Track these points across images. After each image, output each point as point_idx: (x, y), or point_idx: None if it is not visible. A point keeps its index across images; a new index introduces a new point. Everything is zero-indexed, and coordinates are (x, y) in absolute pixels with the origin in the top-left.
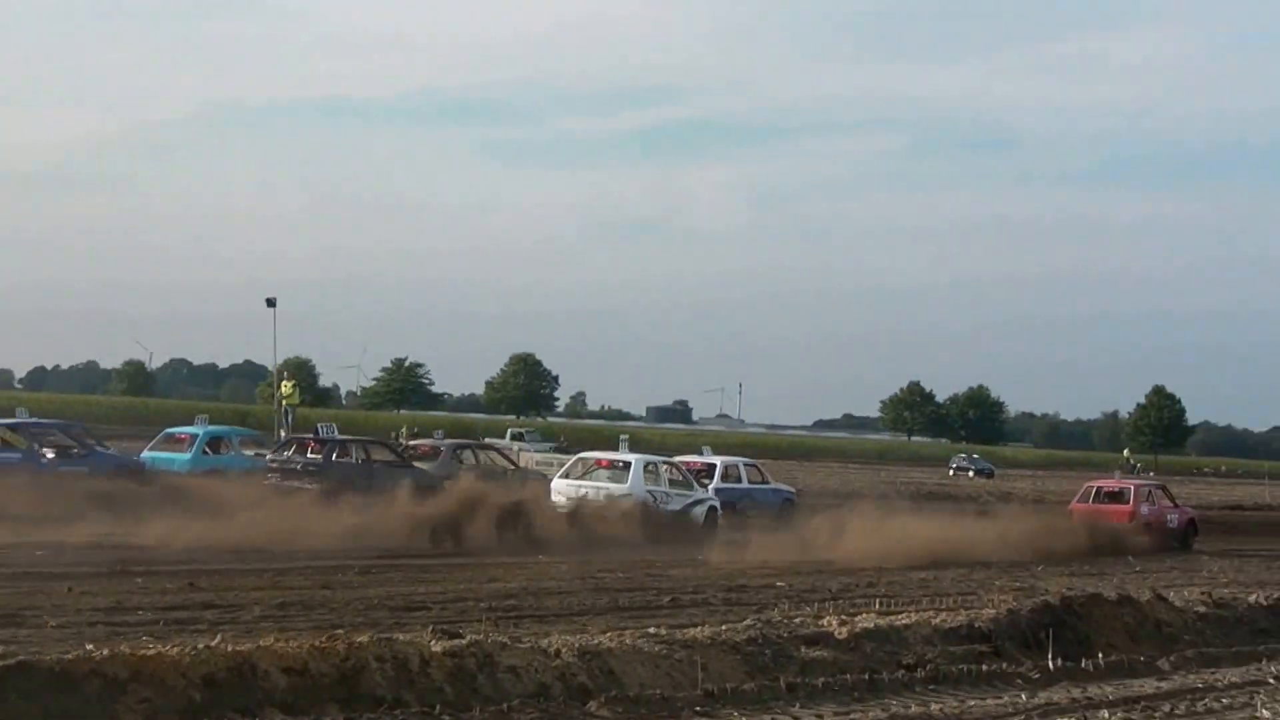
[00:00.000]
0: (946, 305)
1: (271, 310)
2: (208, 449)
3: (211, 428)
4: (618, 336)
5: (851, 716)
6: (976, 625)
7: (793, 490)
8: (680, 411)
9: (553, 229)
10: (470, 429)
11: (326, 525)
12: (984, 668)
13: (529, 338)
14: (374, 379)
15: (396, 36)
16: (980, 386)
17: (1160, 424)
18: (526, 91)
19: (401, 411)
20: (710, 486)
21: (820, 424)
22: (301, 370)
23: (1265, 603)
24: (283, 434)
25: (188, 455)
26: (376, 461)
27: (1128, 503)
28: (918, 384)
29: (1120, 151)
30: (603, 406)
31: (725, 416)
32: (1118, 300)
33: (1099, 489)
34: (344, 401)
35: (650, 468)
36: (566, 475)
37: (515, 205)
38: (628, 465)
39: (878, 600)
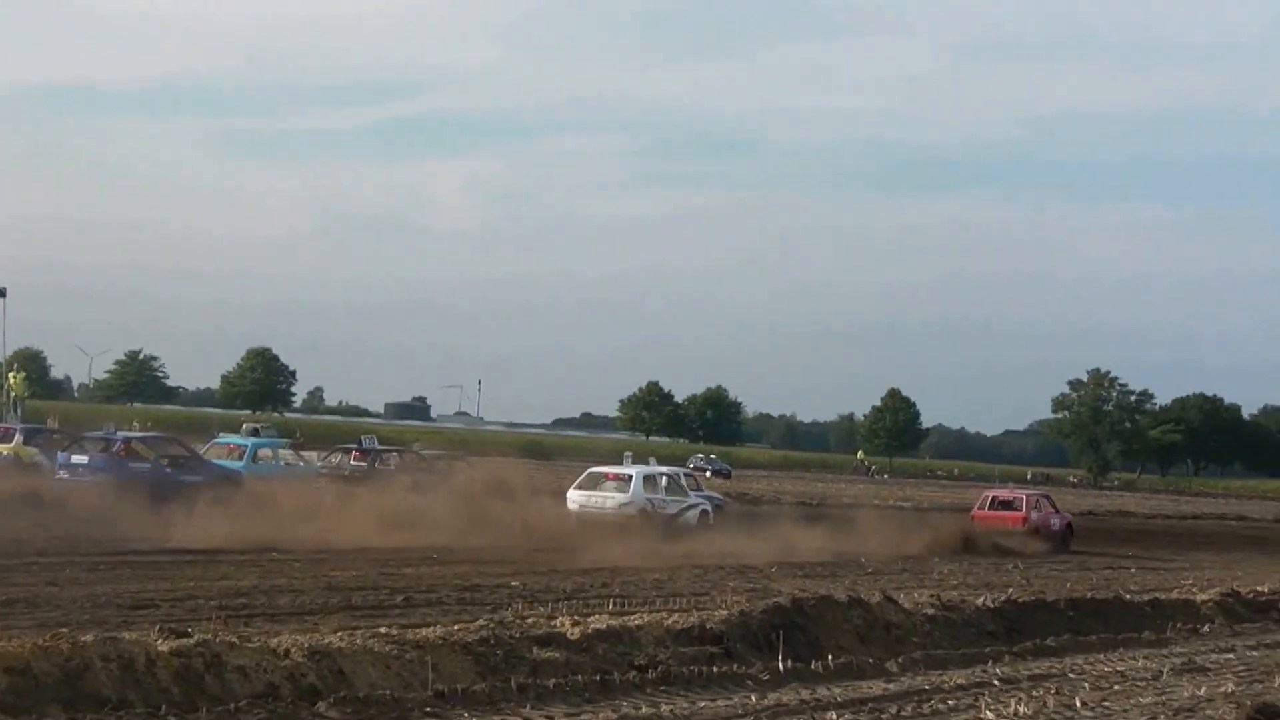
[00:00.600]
0: (686, 306)
1: (1, 301)
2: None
3: (258, 439)
4: (356, 332)
5: (582, 717)
6: (708, 626)
7: (720, 498)
8: (419, 408)
9: (290, 223)
10: (205, 424)
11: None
12: (715, 669)
13: (266, 332)
14: (107, 371)
15: (138, 18)
16: (718, 387)
17: (895, 427)
18: (263, 82)
19: (135, 405)
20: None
21: (559, 422)
22: (33, 362)
23: (992, 605)
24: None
25: (240, 463)
26: (422, 468)
27: (1021, 510)
28: (656, 384)
29: (856, 158)
30: (340, 402)
31: (464, 414)
32: (855, 305)
33: (995, 498)
34: (76, 394)
35: (649, 479)
36: (580, 487)
37: (253, 198)
38: (630, 478)
39: (611, 601)
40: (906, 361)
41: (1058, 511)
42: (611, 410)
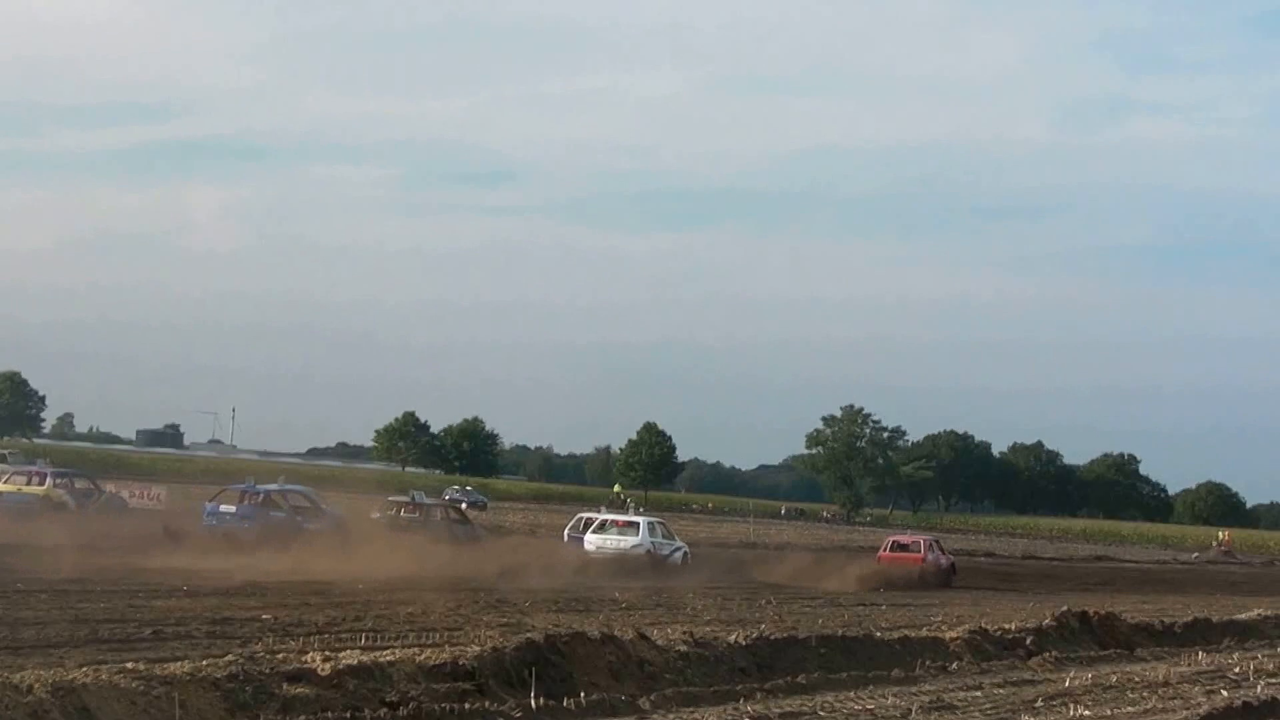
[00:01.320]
0: (443, 336)
1: None
2: None
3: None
4: (109, 357)
5: None
6: (461, 662)
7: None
8: (171, 435)
9: (40, 243)
10: None
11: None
12: (467, 706)
13: (15, 356)
14: None
15: None
16: (475, 418)
17: (651, 460)
18: (15, 99)
19: None
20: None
21: (314, 452)
22: None
23: (744, 641)
24: None
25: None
26: (455, 518)
27: (919, 553)
28: (413, 414)
29: (611, 188)
30: (91, 428)
31: (218, 442)
32: (615, 333)
33: (895, 542)
34: None
35: (651, 526)
36: (597, 531)
37: (3, 215)
38: (637, 525)
39: (364, 635)
40: (664, 394)
41: (944, 553)
42: (367, 440)
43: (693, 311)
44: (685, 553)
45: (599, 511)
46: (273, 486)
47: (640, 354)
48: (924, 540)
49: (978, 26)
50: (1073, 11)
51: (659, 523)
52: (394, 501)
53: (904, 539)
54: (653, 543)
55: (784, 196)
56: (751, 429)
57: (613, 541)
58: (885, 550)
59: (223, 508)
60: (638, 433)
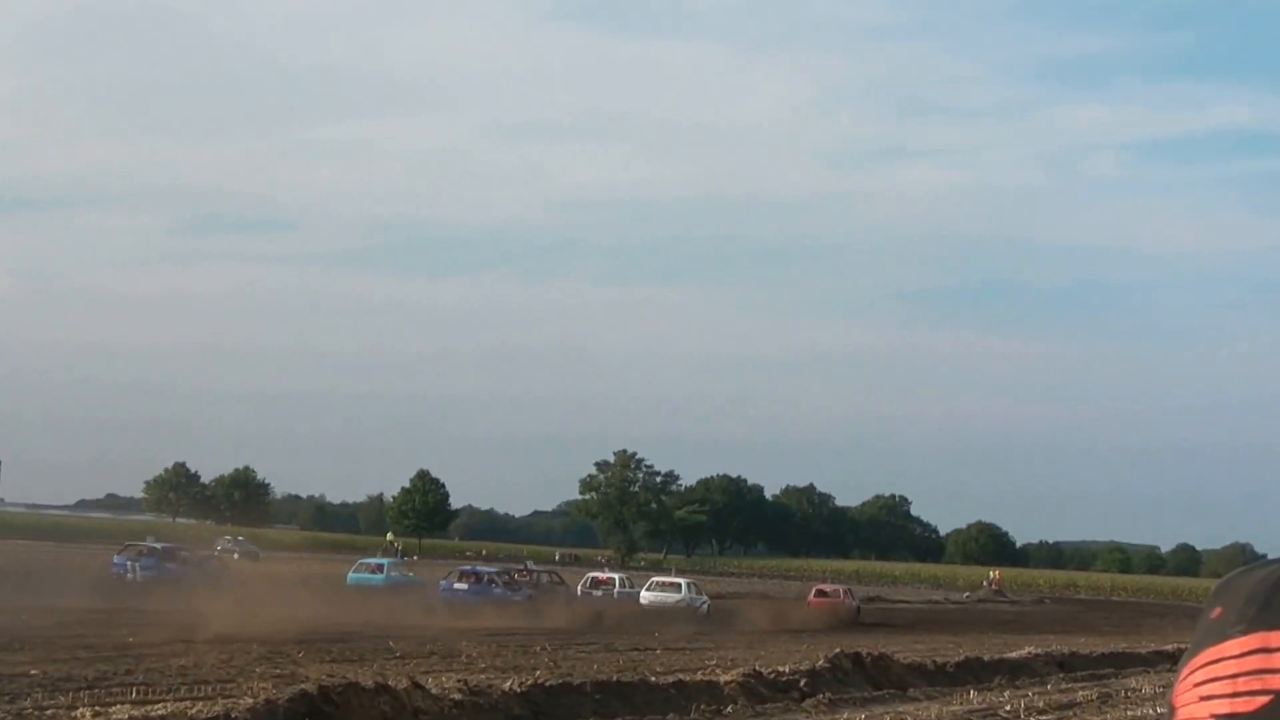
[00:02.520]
0: (213, 384)
1: None
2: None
3: (383, 559)
4: None
5: None
6: (234, 716)
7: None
8: None
9: None
10: None
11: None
12: None
13: None
14: None
15: None
16: (246, 468)
17: (425, 507)
18: None
19: None
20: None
21: (83, 504)
22: None
23: (519, 689)
24: None
25: (381, 576)
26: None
27: (840, 597)
28: (183, 465)
29: (384, 234)
30: None
31: None
32: (386, 381)
33: (819, 590)
34: None
35: (689, 585)
36: (648, 589)
37: None
38: (679, 584)
39: (135, 689)
40: (437, 441)
41: (853, 597)
42: (137, 491)
43: (465, 359)
44: (708, 604)
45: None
46: (488, 568)
47: (412, 402)
48: (841, 589)
49: (751, 75)
50: (844, 60)
51: (692, 583)
52: (513, 569)
53: (826, 587)
54: (690, 598)
55: (555, 244)
56: (525, 476)
57: (661, 597)
58: (812, 596)
59: (456, 585)
60: (411, 480)
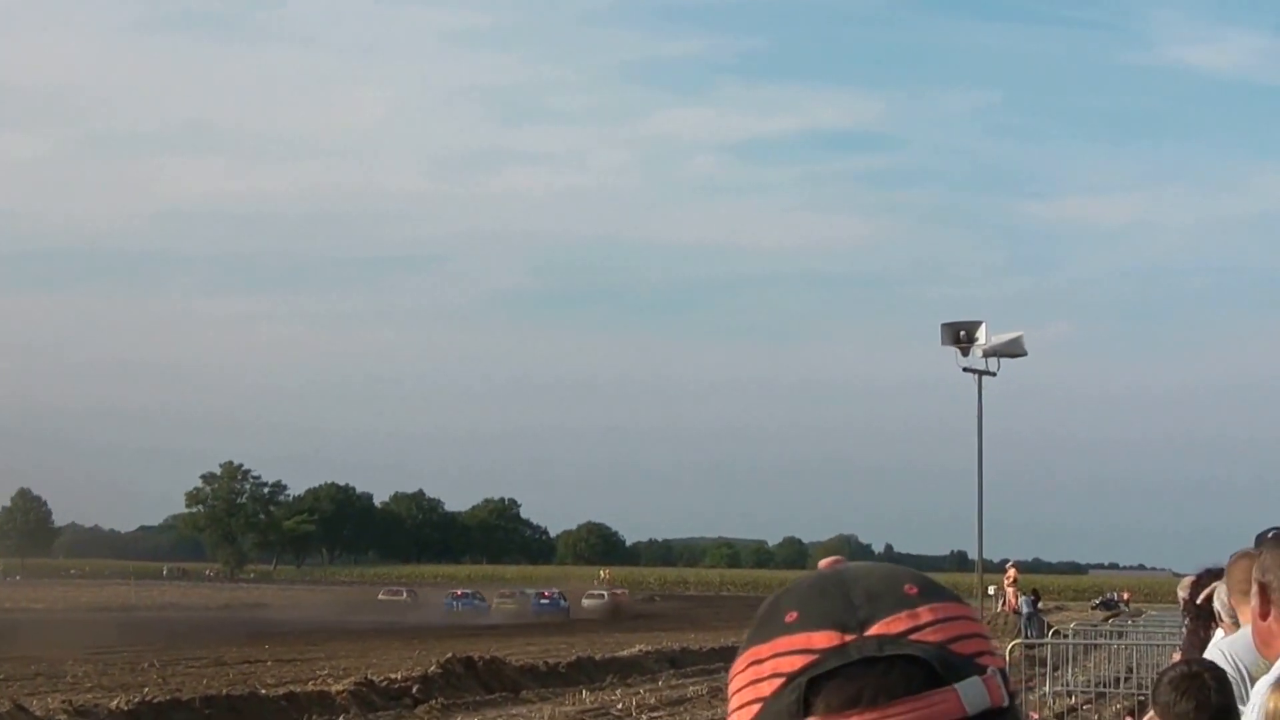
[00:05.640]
0: None
1: None
2: None
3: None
4: None
5: None
6: None
7: None
8: None
9: None
10: None
11: None
12: None
13: None
14: None
15: None
16: None
17: (26, 527)
18: None
19: None
20: None
21: None
22: None
23: (127, 707)
24: None
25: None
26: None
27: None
28: None
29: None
30: None
31: None
32: None
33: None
34: None
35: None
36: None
37: None
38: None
39: None
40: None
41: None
42: None
43: (67, 372)
44: None
45: None
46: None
47: (7, 416)
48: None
49: (350, 83)
50: (439, 65)
51: None
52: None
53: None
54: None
55: (148, 256)
56: (130, 491)
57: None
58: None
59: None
60: (11, 499)
